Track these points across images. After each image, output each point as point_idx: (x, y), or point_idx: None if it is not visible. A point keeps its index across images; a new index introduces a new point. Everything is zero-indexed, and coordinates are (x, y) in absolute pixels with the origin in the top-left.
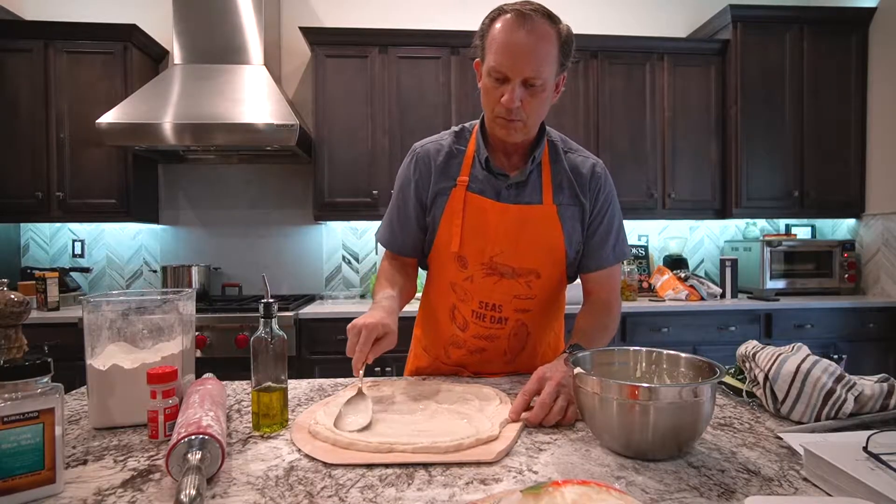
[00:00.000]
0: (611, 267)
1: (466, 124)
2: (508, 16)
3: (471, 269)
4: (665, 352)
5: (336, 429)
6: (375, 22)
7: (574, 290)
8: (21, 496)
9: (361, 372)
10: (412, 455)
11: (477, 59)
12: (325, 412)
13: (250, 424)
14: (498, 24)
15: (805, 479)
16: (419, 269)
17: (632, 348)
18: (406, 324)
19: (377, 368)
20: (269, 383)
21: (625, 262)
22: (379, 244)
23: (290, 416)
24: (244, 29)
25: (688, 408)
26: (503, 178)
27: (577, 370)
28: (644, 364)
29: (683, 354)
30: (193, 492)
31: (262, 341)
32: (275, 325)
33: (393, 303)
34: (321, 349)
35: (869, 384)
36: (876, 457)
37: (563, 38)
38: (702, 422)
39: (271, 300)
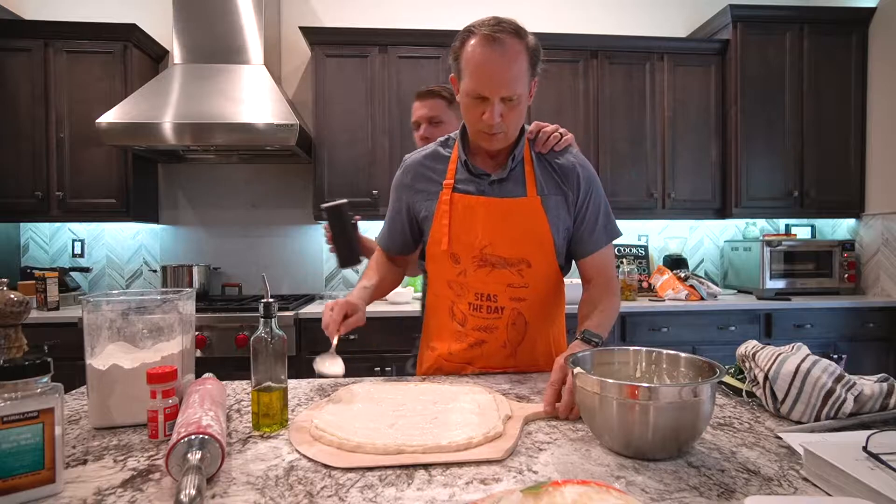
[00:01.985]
0: (606, 247)
1: (451, 134)
2: (479, 39)
3: (463, 264)
4: (665, 351)
5: (340, 430)
6: (375, 21)
7: (573, 292)
8: (21, 496)
9: (336, 338)
10: (422, 455)
11: (452, 75)
12: (325, 413)
13: (250, 424)
14: (469, 48)
15: (805, 479)
16: (422, 272)
17: (632, 348)
18: (409, 323)
19: (377, 368)
20: (269, 383)
21: (624, 261)
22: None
23: (289, 417)
24: (244, 28)
25: (688, 407)
26: (486, 177)
27: (577, 370)
28: (644, 364)
29: (683, 354)
30: (193, 491)
31: (262, 341)
32: (275, 325)
33: (365, 292)
34: (321, 349)
35: (868, 384)
36: (875, 456)
37: (531, 51)
38: (702, 422)
39: (271, 300)
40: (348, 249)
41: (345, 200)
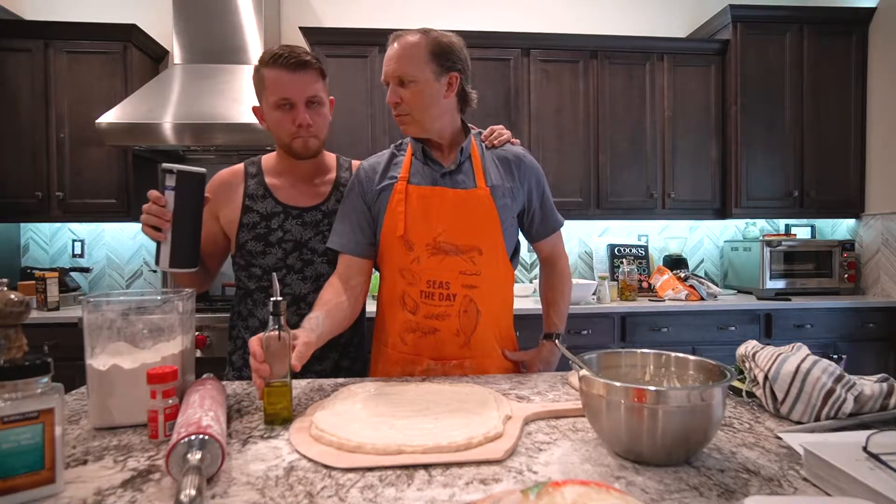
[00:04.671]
0: (558, 230)
1: (405, 139)
2: (389, 42)
3: (417, 251)
4: (673, 354)
5: (340, 430)
6: (376, 22)
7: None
8: (21, 496)
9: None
10: (422, 456)
11: None
12: (325, 414)
13: (250, 425)
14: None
15: (805, 479)
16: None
17: (639, 350)
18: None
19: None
20: (280, 378)
21: (624, 261)
22: (337, 252)
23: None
24: (244, 29)
25: (697, 412)
26: (438, 166)
27: (583, 372)
28: (652, 367)
29: (692, 357)
30: (193, 492)
31: (272, 338)
32: (283, 323)
33: (310, 332)
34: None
35: (868, 384)
36: (875, 457)
37: (431, 44)
38: (712, 427)
39: (280, 298)
40: (191, 242)
41: (203, 170)
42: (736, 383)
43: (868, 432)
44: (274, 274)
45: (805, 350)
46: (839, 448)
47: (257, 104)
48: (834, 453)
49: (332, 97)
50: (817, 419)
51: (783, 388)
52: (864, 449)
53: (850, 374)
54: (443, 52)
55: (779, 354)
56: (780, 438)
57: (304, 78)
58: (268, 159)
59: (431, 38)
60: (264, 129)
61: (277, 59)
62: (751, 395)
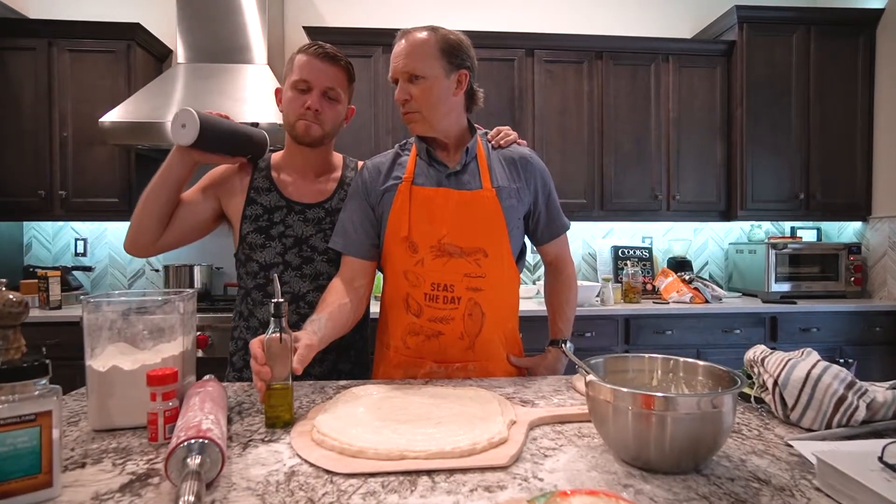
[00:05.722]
0: (564, 233)
1: (409, 139)
2: (397, 38)
3: (421, 253)
4: (682, 359)
5: (342, 434)
6: (379, 21)
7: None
8: (17, 500)
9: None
10: (426, 461)
11: None
12: (327, 417)
13: (251, 427)
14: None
15: (818, 489)
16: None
17: (647, 355)
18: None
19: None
20: (281, 381)
21: (628, 263)
22: (339, 252)
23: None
24: (248, 28)
25: (707, 419)
26: (443, 167)
27: (590, 377)
28: (660, 372)
29: (701, 362)
30: (192, 498)
31: (274, 340)
32: (284, 324)
33: (312, 335)
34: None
35: (881, 391)
36: (892, 467)
37: (441, 41)
38: (722, 435)
39: (281, 300)
40: (216, 142)
41: (266, 146)
42: (745, 388)
43: (883, 441)
44: (275, 275)
45: (815, 355)
46: (853, 457)
47: (266, 103)
48: (848, 463)
49: (352, 106)
50: (828, 426)
51: (793, 394)
52: (880, 459)
53: (860, 381)
54: (452, 49)
55: (788, 360)
56: (790, 446)
57: (329, 69)
58: (277, 156)
59: (440, 35)
60: (267, 128)
61: (311, 47)
62: (759, 400)
